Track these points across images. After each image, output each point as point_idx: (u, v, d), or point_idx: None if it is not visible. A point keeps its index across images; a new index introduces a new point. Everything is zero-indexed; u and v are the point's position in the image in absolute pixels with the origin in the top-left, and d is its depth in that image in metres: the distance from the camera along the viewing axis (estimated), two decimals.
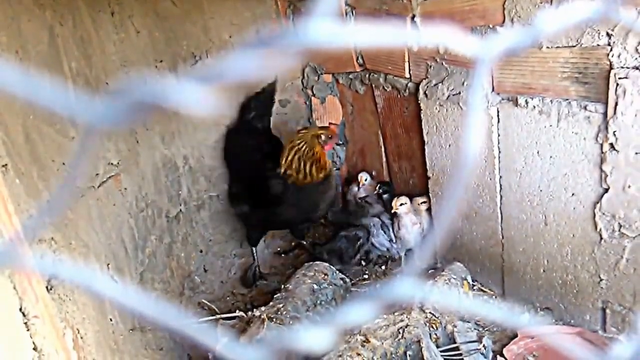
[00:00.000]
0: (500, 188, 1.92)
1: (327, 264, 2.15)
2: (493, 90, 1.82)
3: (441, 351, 1.69)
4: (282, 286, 2.04)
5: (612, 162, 1.53)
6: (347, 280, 2.18)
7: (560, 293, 1.85)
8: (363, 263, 2.48)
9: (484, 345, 1.70)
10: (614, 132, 1.49)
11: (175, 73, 2.30)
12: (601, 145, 1.54)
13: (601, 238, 1.64)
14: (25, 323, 0.92)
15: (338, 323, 0.29)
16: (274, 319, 1.76)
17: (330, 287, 2.03)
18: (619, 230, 1.58)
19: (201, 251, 2.55)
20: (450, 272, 1.99)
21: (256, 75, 0.24)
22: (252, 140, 2.41)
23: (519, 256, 1.95)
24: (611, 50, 1.44)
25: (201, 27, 2.44)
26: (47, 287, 1.08)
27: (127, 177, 1.93)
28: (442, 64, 1.98)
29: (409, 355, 1.61)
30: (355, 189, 2.66)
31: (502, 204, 1.94)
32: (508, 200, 1.91)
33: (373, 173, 2.74)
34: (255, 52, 0.24)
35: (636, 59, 1.40)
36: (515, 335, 1.81)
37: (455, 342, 1.73)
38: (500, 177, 1.90)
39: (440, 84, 2.00)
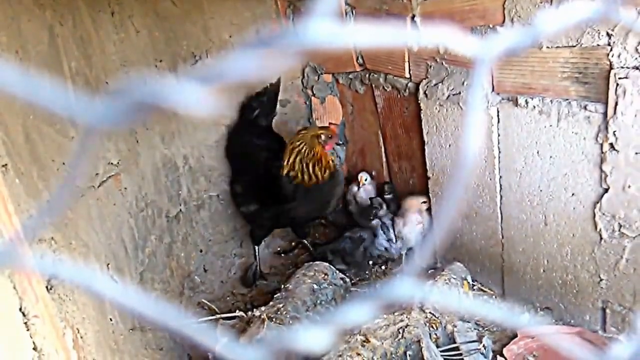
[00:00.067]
0: (500, 188, 1.92)
1: (327, 264, 2.15)
2: (493, 90, 1.82)
3: (441, 351, 1.69)
4: (282, 286, 2.04)
5: (612, 162, 1.53)
6: (347, 280, 2.18)
7: (560, 293, 1.85)
8: (370, 263, 2.47)
9: (484, 345, 1.70)
10: (614, 132, 1.49)
11: (175, 73, 2.30)
12: (601, 145, 1.54)
13: (601, 238, 1.64)
14: (25, 323, 0.92)
15: (338, 323, 0.29)
16: (274, 319, 1.76)
17: (330, 287, 2.03)
18: (619, 230, 1.59)
19: (201, 251, 2.55)
20: (450, 272, 1.99)
21: (256, 75, 0.24)
22: (258, 139, 2.42)
23: (519, 256, 1.95)
24: (611, 50, 1.44)
25: (201, 27, 2.44)
26: (47, 287, 1.08)
27: (127, 177, 1.93)
28: (442, 64, 1.98)
29: (409, 355, 1.61)
30: (355, 188, 2.66)
31: (502, 204, 1.94)
32: (508, 200, 1.91)
33: (373, 173, 2.74)
34: (255, 52, 0.24)
35: (636, 59, 1.40)
36: (515, 335, 1.81)
37: (455, 342, 1.73)
38: (500, 177, 1.90)
39: (440, 84, 2.00)
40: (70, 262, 0.64)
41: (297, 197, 2.24)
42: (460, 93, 1.93)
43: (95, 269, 1.55)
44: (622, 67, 1.43)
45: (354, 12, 2.36)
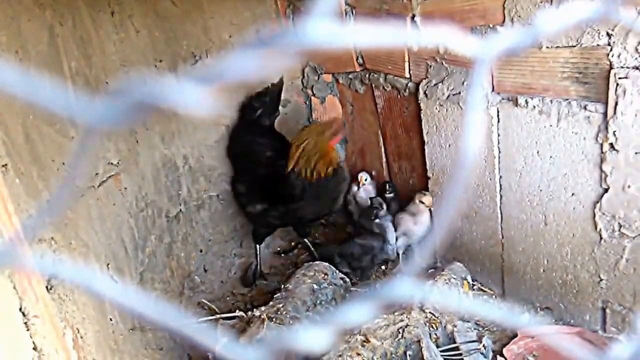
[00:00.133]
0: (500, 188, 1.92)
1: (327, 264, 2.15)
2: (493, 90, 1.82)
3: (441, 351, 1.69)
4: (282, 286, 2.04)
5: (612, 162, 1.53)
6: (347, 280, 2.18)
7: (560, 293, 1.85)
8: (382, 267, 2.47)
9: (484, 345, 1.70)
10: (614, 132, 1.49)
11: (175, 73, 2.30)
12: (601, 145, 1.54)
13: (601, 238, 1.64)
14: (25, 323, 0.92)
15: (338, 323, 0.29)
16: (274, 319, 1.76)
17: (330, 287, 2.03)
18: (619, 230, 1.59)
19: (201, 251, 2.55)
20: (450, 272, 1.99)
21: (256, 75, 0.24)
22: (261, 138, 2.42)
23: (519, 256, 1.95)
24: (611, 50, 1.44)
25: (201, 27, 2.44)
26: (47, 287, 1.08)
27: (127, 177, 1.93)
28: (442, 63, 1.98)
29: (409, 355, 1.61)
30: (355, 188, 2.66)
31: (502, 204, 1.94)
32: (508, 200, 1.91)
33: (373, 173, 2.74)
34: (255, 52, 0.24)
35: (636, 59, 1.40)
36: (515, 335, 1.81)
37: (455, 342, 1.73)
38: (500, 177, 1.90)
39: (440, 84, 2.00)
40: (70, 262, 0.64)
41: (306, 195, 2.24)
42: (460, 93, 1.93)
43: (95, 269, 1.55)
44: (622, 67, 1.43)
45: (354, 12, 2.36)
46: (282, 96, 2.56)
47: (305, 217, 2.39)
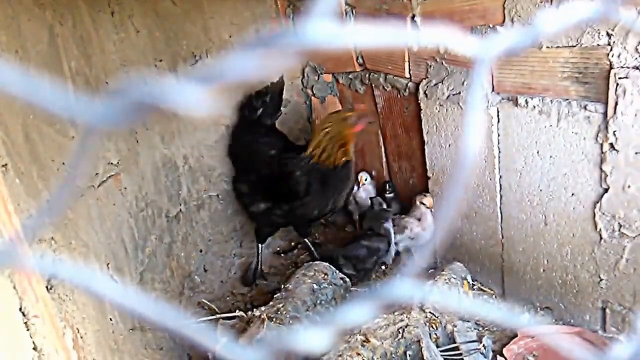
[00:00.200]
0: (500, 188, 1.92)
1: (327, 264, 2.15)
2: (493, 90, 1.82)
3: (441, 351, 1.69)
4: (282, 286, 2.04)
5: (612, 162, 1.53)
6: (347, 280, 2.18)
7: (560, 293, 1.85)
8: (382, 268, 2.46)
9: (484, 345, 1.70)
10: (614, 132, 1.49)
11: (175, 73, 2.30)
12: (601, 145, 1.54)
13: (601, 238, 1.64)
14: (25, 323, 0.92)
15: (338, 323, 0.29)
16: (274, 319, 1.76)
17: (330, 287, 2.03)
18: (619, 230, 1.59)
19: (201, 251, 2.55)
20: (450, 272, 1.99)
21: (256, 75, 0.24)
22: (263, 138, 2.41)
23: (519, 256, 1.95)
24: (611, 50, 1.44)
25: (201, 26, 2.43)
26: (47, 287, 1.08)
27: (127, 177, 1.93)
28: (442, 63, 1.98)
29: (409, 355, 1.61)
30: (355, 188, 2.66)
31: (502, 203, 1.94)
32: (508, 200, 1.91)
33: (373, 173, 2.74)
34: (255, 52, 0.24)
35: (636, 58, 1.40)
36: (515, 335, 1.81)
37: (455, 342, 1.73)
38: (500, 177, 1.90)
39: (440, 84, 2.00)
40: (70, 262, 0.64)
41: (311, 190, 2.23)
42: (460, 93, 1.93)
43: (95, 269, 1.55)
44: (622, 67, 1.43)
45: (354, 12, 2.36)
46: (283, 96, 2.55)
47: (309, 214, 2.38)
